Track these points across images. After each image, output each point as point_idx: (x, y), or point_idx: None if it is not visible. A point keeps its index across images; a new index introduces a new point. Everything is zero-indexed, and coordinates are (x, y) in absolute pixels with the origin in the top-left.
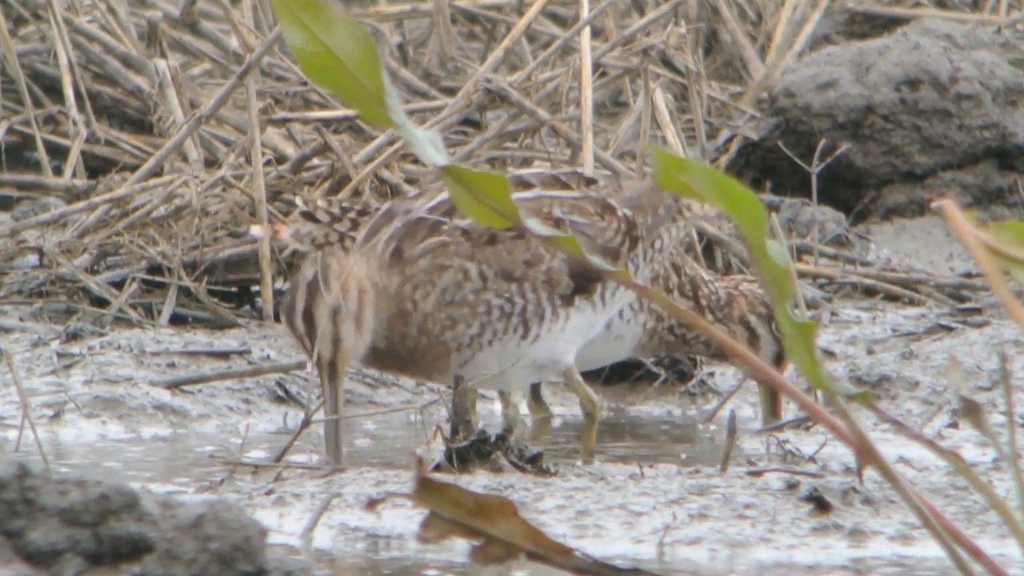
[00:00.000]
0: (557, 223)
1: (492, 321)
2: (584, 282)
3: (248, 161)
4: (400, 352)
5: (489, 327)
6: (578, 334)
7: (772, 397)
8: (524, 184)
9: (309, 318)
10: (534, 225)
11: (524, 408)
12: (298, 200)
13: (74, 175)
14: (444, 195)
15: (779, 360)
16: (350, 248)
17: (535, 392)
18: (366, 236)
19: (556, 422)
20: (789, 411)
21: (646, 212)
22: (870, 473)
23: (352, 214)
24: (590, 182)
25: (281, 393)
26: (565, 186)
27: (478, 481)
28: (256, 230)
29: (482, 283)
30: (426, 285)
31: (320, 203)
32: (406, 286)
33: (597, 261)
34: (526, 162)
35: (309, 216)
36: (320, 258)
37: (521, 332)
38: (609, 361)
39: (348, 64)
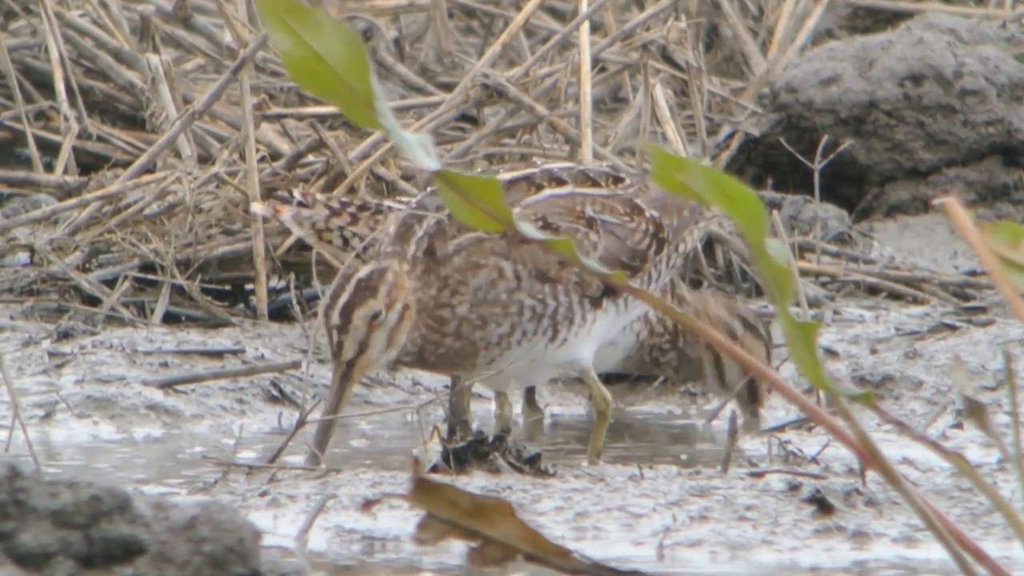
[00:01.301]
0: (589, 222)
1: (523, 322)
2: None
3: (242, 157)
4: (431, 356)
5: (519, 327)
6: (600, 335)
7: (752, 394)
8: (557, 180)
9: (347, 315)
10: (528, 228)
11: (517, 409)
12: (295, 192)
13: (65, 171)
14: None
15: (751, 387)
16: (377, 245)
17: (529, 397)
18: (398, 233)
19: (553, 422)
20: (790, 411)
21: (672, 214)
22: (873, 474)
23: (351, 208)
24: (617, 180)
25: (276, 393)
26: (595, 183)
27: (475, 482)
28: (257, 207)
29: (516, 283)
30: (460, 286)
31: (318, 196)
32: (444, 290)
33: (592, 264)
34: (524, 159)
35: (305, 207)
36: (378, 262)
37: (550, 335)
38: (598, 371)
39: (336, 68)
